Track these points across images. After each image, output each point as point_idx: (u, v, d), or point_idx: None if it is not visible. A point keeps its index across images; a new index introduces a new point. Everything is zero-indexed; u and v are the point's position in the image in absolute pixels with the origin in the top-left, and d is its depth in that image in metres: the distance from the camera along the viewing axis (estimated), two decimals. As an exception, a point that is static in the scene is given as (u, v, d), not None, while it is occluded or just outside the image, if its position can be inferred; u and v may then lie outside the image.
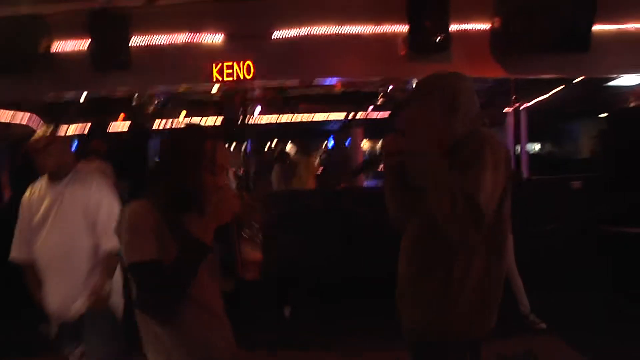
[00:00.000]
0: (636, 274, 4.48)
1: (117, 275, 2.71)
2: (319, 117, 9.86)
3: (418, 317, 1.82)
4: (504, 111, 8.61)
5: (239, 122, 8.53)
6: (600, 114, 8.75)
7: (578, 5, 4.39)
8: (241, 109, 8.10)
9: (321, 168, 10.12)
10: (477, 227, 1.60)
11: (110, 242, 2.46)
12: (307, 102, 9.03)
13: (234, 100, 7.77)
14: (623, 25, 4.78)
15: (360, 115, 9.72)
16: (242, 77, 4.87)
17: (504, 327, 1.96)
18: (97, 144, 5.03)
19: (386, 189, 1.99)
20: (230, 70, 4.86)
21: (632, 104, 6.37)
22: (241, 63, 4.84)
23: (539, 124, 8.92)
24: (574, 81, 7.20)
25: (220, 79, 4.86)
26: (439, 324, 1.75)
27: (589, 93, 7.98)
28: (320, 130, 11.30)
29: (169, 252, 1.51)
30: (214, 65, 4.84)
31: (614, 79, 6.03)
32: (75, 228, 2.59)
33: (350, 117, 9.82)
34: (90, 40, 4.39)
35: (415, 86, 2.04)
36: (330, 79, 5.87)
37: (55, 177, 2.63)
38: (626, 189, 5.04)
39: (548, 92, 8.01)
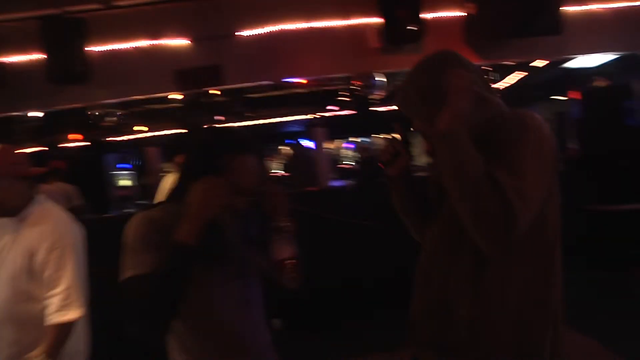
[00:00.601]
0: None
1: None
2: (281, 119, 9.69)
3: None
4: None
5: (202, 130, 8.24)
6: (557, 96, 8.97)
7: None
8: (203, 117, 7.84)
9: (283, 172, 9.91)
10: (507, 228, 1.20)
11: (60, 312, 1.77)
12: (268, 105, 8.84)
13: (196, 108, 7.49)
14: (589, 6, 4.82)
15: (322, 114, 9.60)
16: (209, 83, 4.64)
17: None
18: (56, 164, 4.63)
19: (397, 207, 1.63)
20: (196, 77, 4.61)
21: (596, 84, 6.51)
22: (207, 68, 4.60)
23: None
24: (531, 65, 7.37)
25: (187, 86, 4.60)
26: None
27: (547, 77, 8.16)
28: (283, 132, 11.09)
29: None
30: (178, 72, 4.58)
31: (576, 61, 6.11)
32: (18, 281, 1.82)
33: (312, 117, 9.68)
34: (43, 51, 4.01)
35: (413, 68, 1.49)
36: (295, 78, 5.69)
37: (7, 213, 1.88)
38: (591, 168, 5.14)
39: (509, 77, 8.14)
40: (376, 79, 7.03)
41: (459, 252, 1.35)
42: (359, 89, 7.38)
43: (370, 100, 8.24)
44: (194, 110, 7.53)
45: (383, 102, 8.57)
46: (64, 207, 2.02)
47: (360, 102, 8.20)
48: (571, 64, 6.89)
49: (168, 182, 5.07)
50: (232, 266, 1.49)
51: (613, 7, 4.81)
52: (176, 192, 1.48)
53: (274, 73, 4.94)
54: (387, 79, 7.18)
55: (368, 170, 7.99)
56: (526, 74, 7.84)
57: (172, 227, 1.34)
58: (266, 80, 5.24)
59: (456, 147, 1.26)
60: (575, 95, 8.31)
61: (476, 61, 4.93)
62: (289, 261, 1.46)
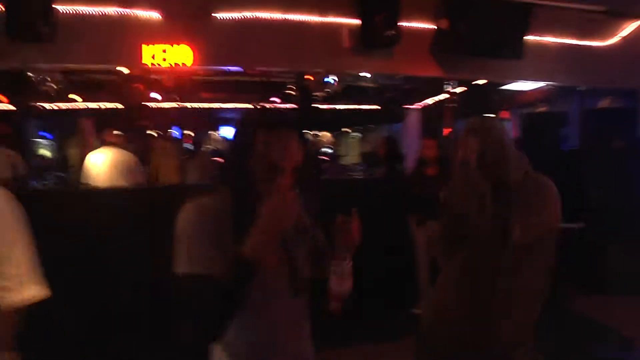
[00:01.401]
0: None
1: None
2: (221, 104, 9.45)
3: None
4: (405, 107, 9.01)
5: (138, 108, 7.85)
6: (489, 114, 9.52)
7: (514, 17, 4.66)
8: (140, 94, 7.46)
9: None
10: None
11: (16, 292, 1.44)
12: (210, 89, 8.59)
13: (134, 85, 7.11)
14: (545, 38, 5.20)
15: (264, 105, 9.47)
16: (179, 63, 4.43)
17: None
18: (2, 128, 4.19)
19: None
20: (165, 55, 4.39)
21: (538, 109, 7.02)
22: (178, 46, 4.41)
23: (433, 122, 9.46)
24: (473, 83, 7.79)
25: (154, 63, 4.37)
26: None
27: (481, 95, 8.65)
28: (221, 118, 10.81)
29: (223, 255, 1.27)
30: (144, 46, 4.34)
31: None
32: None
33: (253, 106, 9.52)
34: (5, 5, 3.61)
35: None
36: (263, 67, 5.59)
37: None
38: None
39: (448, 92, 8.52)
40: (328, 77, 7.06)
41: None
42: (308, 84, 7.35)
43: (314, 97, 8.28)
44: (135, 86, 7.14)
45: (327, 100, 8.64)
46: (9, 177, 1.75)
47: (304, 97, 8.20)
48: (508, 86, 7.38)
49: (98, 159, 4.78)
50: (292, 282, 1.45)
51: (564, 42, 5.24)
52: (225, 176, 1.43)
53: (244, 60, 4.82)
54: (339, 80, 7.24)
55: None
56: (465, 89, 8.25)
57: (228, 214, 1.31)
58: (235, 65, 5.09)
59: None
60: (505, 115, 8.92)
61: (439, 74, 5.15)
62: (342, 294, 1.45)
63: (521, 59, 4.75)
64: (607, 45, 5.39)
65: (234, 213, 1.33)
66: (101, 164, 4.79)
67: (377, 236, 4.19)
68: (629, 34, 5.44)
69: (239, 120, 1.48)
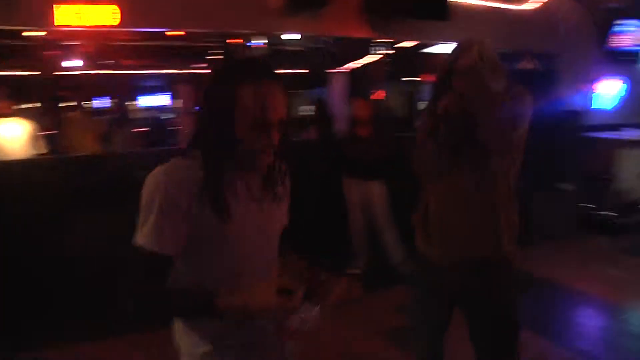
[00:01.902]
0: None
1: None
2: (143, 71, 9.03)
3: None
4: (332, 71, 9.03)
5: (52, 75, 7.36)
6: (414, 76, 9.77)
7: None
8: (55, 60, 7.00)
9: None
10: None
11: None
12: (132, 54, 8.18)
13: (46, 51, 6.63)
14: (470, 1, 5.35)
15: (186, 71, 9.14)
16: (96, 25, 4.15)
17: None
18: None
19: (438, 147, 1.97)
20: (80, 16, 4.08)
21: None
22: (94, 7, 4.11)
23: (361, 84, 9.56)
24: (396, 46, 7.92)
25: (68, 25, 4.06)
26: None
27: (407, 58, 8.83)
28: (142, 86, 10.31)
29: (193, 228, 1.20)
30: (56, 7, 4.02)
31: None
32: None
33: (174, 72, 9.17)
34: None
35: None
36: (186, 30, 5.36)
37: None
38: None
39: (373, 55, 8.60)
40: (252, 41, 6.90)
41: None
42: (234, 48, 7.15)
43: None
44: (48, 53, 6.66)
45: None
46: None
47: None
48: (430, 49, 7.58)
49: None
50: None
51: (493, 6, 5.42)
52: (198, 139, 1.28)
53: (168, 22, 4.60)
54: (266, 43, 7.10)
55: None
56: (391, 52, 8.36)
57: (199, 183, 1.19)
58: (158, 27, 4.84)
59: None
60: (431, 78, 9.16)
61: (368, 35, 5.18)
62: (297, 333, 1.28)
63: (447, 21, 4.86)
64: (529, 10, 5.64)
65: (211, 181, 1.21)
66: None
67: (311, 197, 4.26)
68: (546, -2, 5.75)
69: (215, 73, 1.31)
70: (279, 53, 8.17)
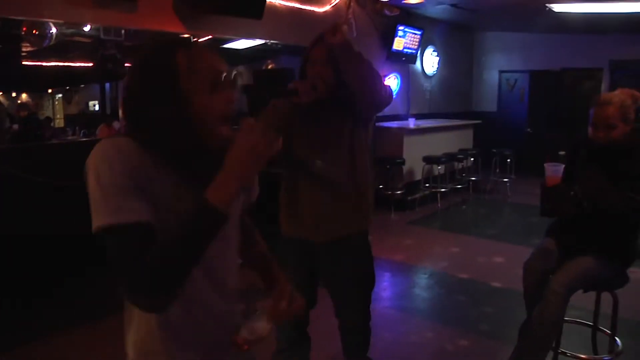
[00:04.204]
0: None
1: None
2: None
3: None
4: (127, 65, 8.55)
5: None
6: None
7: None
8: None
9: None
10: None
11: None
12: None
13: None
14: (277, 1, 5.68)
15: None
16: None
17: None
18: None
19: None
20: None
21: (269, 66, 7.56)
22: None
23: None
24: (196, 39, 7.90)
25: None
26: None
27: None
28: None
29: (163, 213, 1.07)
30: None
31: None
32: None
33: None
34: None
35: None
36: None
37: None
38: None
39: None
40: (52, 29, 6.17)
41: None
42: (28, 37, 6.28)
43: (24, 54, 7.20)
44: None
45: (37, 57, 7.60)
46: None
47: (13, 52, 7.02)
48: (232, 44, 7.76)
49: None
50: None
51: (288, 5, 5.85)
52: (135, 115, 1.14)
53: None
54: (58, 31, 6.40)
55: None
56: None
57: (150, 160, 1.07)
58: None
59: None
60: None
61: (182, 31, 5.12)
62: (246, 343, 1.27)
63: (260, 19, 5.10)
64: (323, 12, 6.25)
65: (170, 154, 1.10)
66: None
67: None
68: (337, 2, 6.43)
69: (148, 47, 1.15)
70: (62, 43, 7.42)
